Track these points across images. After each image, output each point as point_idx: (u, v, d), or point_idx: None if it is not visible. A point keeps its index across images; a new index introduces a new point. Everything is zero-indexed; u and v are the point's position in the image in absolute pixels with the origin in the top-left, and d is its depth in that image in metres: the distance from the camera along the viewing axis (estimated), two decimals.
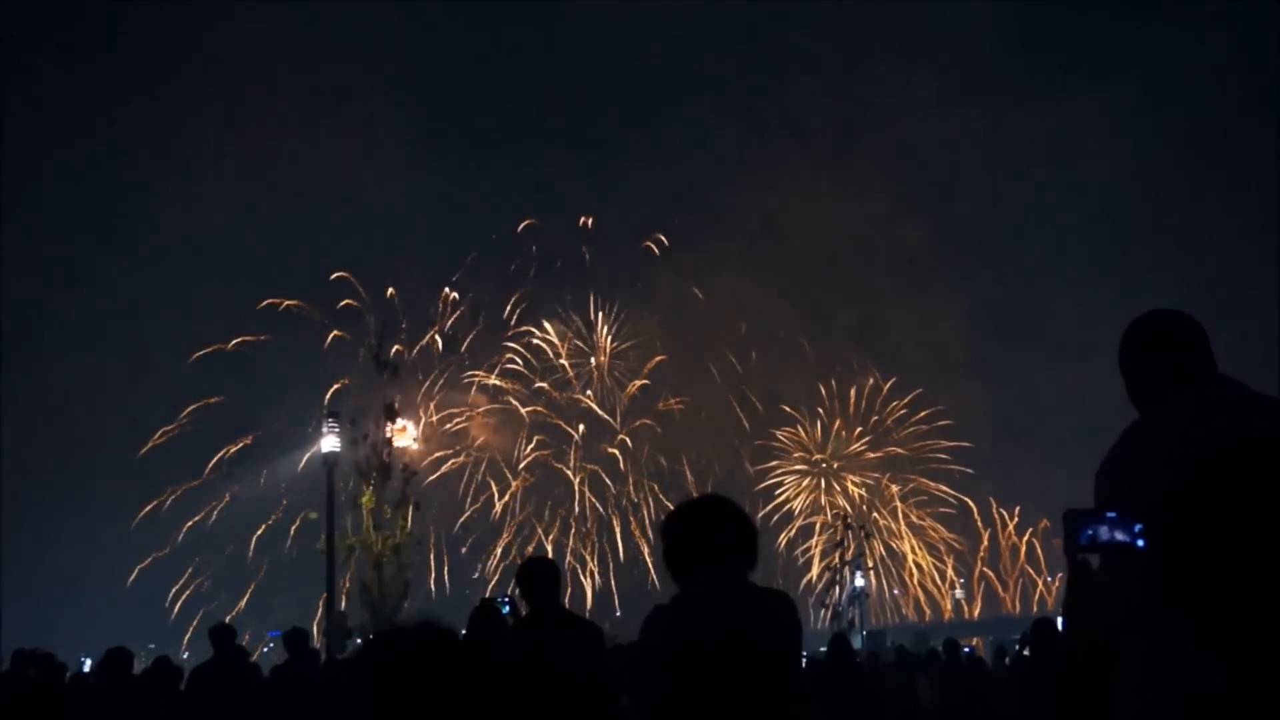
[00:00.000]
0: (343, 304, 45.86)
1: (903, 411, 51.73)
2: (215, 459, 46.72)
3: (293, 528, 43.45)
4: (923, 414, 51.50)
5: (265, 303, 47.39)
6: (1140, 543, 2.61)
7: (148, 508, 47.97)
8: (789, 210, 59.48)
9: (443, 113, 65.67)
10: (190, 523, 47.70)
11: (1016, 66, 68.11)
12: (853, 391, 51.96)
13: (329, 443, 22.30)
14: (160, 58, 61.18)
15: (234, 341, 47.12)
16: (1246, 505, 2.59)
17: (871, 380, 51.99)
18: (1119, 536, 2.62)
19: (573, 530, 48.94)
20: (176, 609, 47.47)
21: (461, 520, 46.88)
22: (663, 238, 51.30)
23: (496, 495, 48.42)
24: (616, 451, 50.41)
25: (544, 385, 49.78)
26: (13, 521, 45.51)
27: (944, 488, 51.62)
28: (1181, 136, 61.44)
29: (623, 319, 51.45)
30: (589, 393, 50.89)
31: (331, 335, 45.47)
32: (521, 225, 50.07)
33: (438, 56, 69.75)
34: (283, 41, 58.22)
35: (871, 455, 52.17)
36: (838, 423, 52.24)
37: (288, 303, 46.96)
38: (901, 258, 59.69)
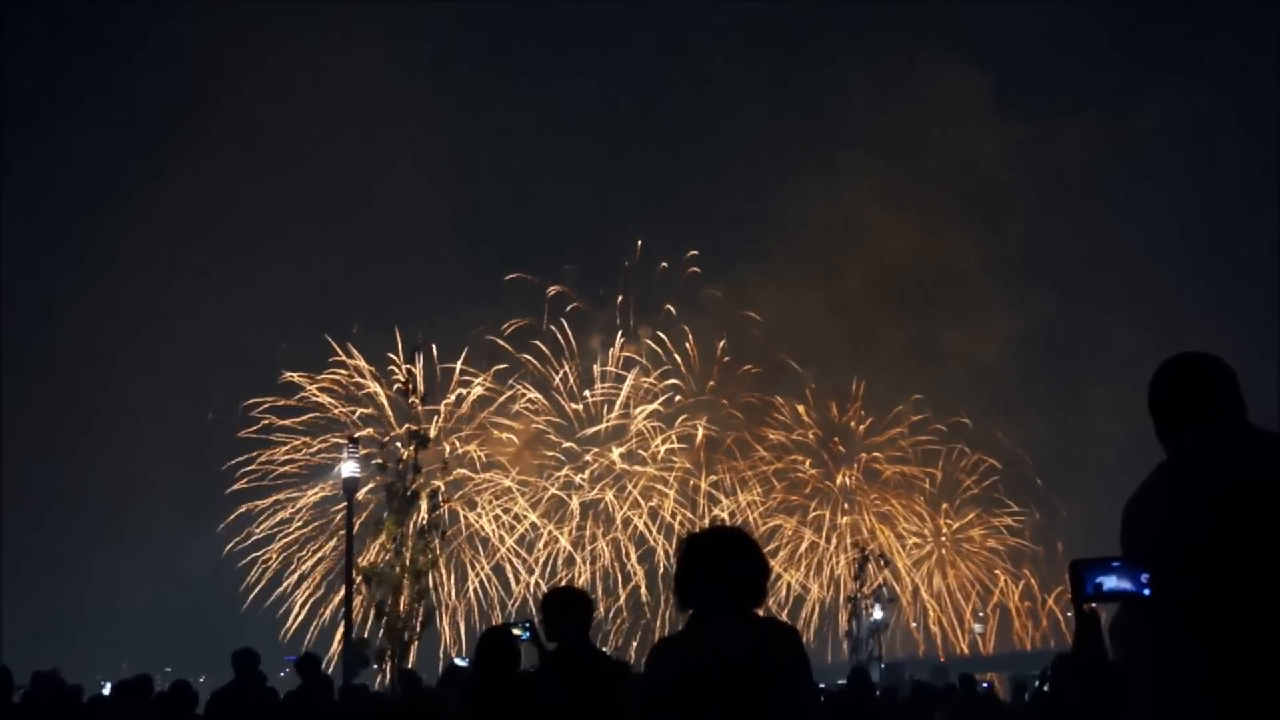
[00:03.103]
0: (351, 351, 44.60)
1: (937, 444, 49.72)
2: (241, 500, 45.87)
3: (316, 555, 43.12)
4: (976, 457, 49.03)
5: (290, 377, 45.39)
6: (1146, 591, 2.63)
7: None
8: (842, 223, 57.81)
9: (478, 136, 65.08)
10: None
11: (1076, 74, 65.38)
12: (905, 421, 49.60)
13: (349, 468, 22.42)
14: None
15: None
16: (1253, 542, 2.61)
17: (912, 404, 49.90)
18: (1125, 585, 2.65)
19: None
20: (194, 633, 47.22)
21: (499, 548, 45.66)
22: (700, 258, 49.14)
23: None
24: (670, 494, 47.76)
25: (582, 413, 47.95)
26: (34, 544, 45.63)
27: (989, 518, 49.70)
28: (1252, 147, 58.29)
29: (668, 341, 49.18)
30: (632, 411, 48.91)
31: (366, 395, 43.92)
32: (567, 248, 48.36)
33: (468, 72, 69.72)
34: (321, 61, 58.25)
35: (910, 496, 50.26)
36: (874, 448, 50.24)
37: (315, 380, 44.88)
38: (956, 273, 57.56)
